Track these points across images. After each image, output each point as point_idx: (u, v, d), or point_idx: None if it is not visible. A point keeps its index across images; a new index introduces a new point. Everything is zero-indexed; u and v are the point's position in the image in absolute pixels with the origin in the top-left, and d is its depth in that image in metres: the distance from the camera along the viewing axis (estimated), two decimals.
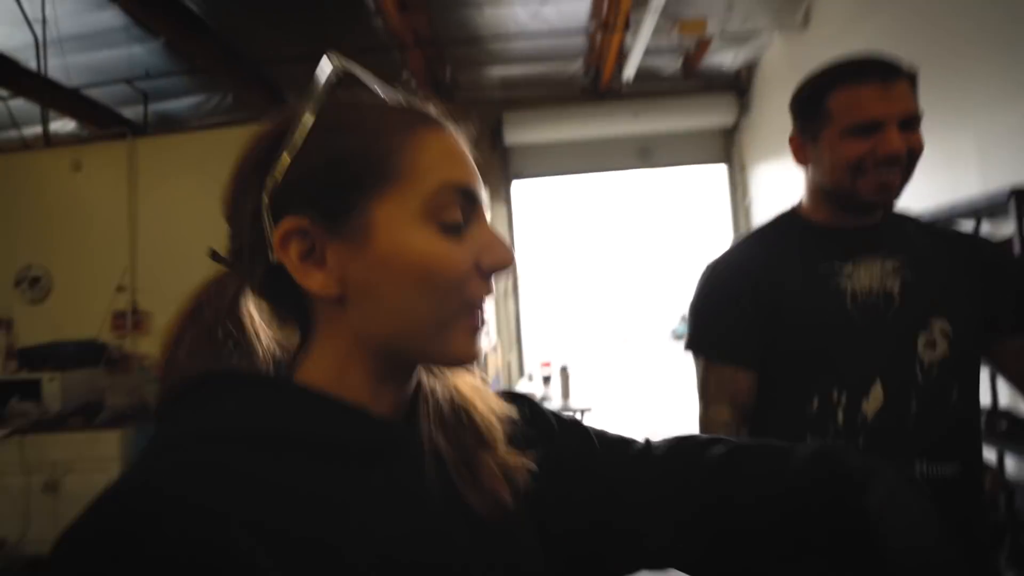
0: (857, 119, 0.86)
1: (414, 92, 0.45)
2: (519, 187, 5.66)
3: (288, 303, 0.42)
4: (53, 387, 2.90)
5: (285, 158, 0.37)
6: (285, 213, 0.37)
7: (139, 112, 5.06)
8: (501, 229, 5.36)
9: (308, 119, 0.38)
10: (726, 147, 5.33)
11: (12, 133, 5.43)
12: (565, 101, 5.22)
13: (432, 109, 0.44)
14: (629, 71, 4.45)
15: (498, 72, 5.00)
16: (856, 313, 0.88)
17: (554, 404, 3.44)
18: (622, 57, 4.39)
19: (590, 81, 5.11)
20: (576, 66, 4.90)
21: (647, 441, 0.54)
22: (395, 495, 0.38)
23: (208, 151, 3.45)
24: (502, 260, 0.41)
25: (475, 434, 0.46)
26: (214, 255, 0.42)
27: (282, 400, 0.37)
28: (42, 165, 3.61)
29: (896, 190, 0.88)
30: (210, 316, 0.39)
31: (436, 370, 0.48)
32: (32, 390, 2.92)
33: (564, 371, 3.63)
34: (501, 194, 5.50)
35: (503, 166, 5.49)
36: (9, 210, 3.49)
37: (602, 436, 0.54)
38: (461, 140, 0.43)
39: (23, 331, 3.30)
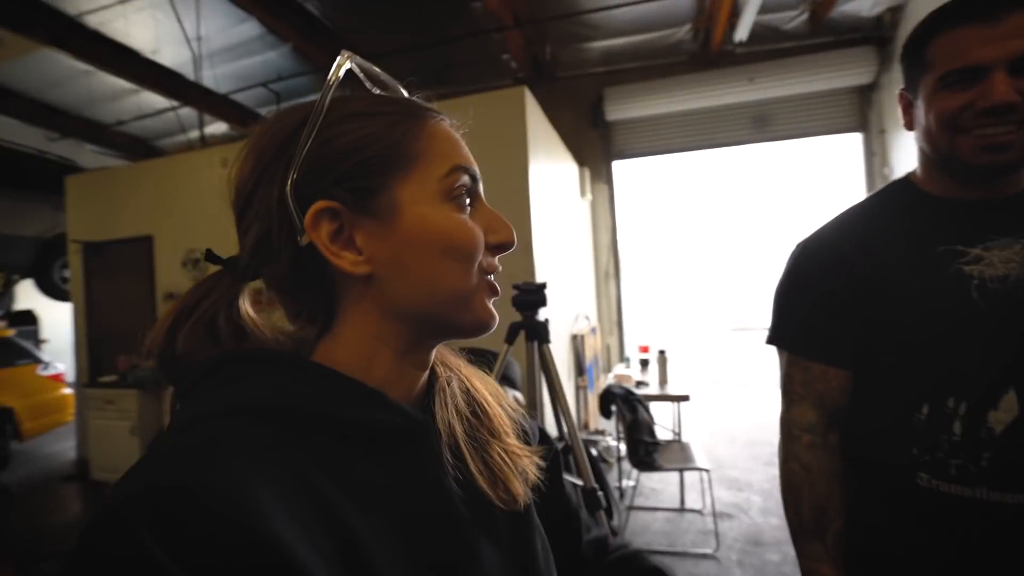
0: (952, 65, 0.72)
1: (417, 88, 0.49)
2: (621, 167, 5.46)
3: (306, 292, 0.42)
4: None
5: (310, 144, 0.38)
6: (311, 197, 0.38)
7: (273, 111, 5.70)
8: (602, 210, 5.23)
9: (331, 107, 0.39)
10: (861, 110, 4.64)
11: (180, 137, 6.44)
12: (671, 70, 4.90)
13: (432, 104, 0.47)
14: (743, 31, 4.04)
15: (599, 46, 4.82)
16: (984, 305, 0.72)
17: (650, 390, 3.33)
18: (735, 15, 4.00)
19: (699, 46, 4.73)
20: (683, 31, 4.56)
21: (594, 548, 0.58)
22: (417, 480, 0.39)
23: None
24: (505, 238, 0.44)
25: (488, 425, 0.47)
26: (209, 256, 0.43)
27: (306, 380, 0.37)
28: (199, 162, 4.23)
29: (1015, 150, 0.71)
30: (208, 309, 0.41)
31: (451, 363, 0.50)
32: None
33: (662, 356, 3.49)
34: (602, 174, 5.36)
35: (604, 145, 5.33)
36: (177, 202, 4.16)
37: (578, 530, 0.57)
38: (456, 130, 0.46)
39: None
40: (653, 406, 3.31)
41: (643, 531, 2.82)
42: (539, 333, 1.61)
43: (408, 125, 0.41)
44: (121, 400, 3.62)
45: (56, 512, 3.63)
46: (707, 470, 2.62)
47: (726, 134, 5.04)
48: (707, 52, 4.68)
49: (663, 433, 3.57)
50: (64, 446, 4.88)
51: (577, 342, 4.25)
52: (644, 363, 4.01)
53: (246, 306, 0.43)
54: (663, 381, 3.44)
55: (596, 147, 5.31)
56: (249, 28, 4.43)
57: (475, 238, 0.41)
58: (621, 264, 5.51)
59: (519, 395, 2.67)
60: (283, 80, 5.17)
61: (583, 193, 4.99)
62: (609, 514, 2.83)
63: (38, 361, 4.72)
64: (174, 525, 0.25)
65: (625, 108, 5.04)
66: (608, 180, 5.40)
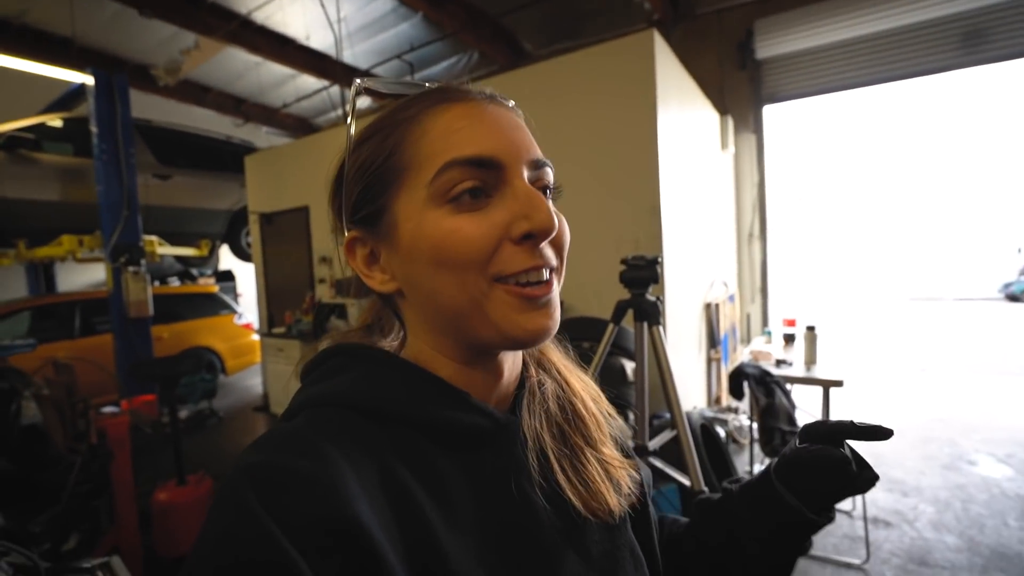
0: None
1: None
2: (772, 113, 4.74)
3: (383, 308, 0.48)
4: (354, 310, 3.85)
5: (344, 181, 0.42)
6: (348, 227, 0.42)
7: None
8: (747, 163, 4.64)
9: (349, 140, 0.42)
10: None
11: (331, 114, 7.12)
12: None
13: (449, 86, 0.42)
14: None
15: None
16: None
17: (794, 370, 2.93)
18: None
19: None
20: None
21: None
22: (497, 483, 0.38)
23: None
24: (533, 225, 0.37)
25: (583, 432, 0.45)
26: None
27: (395, 376, 0.40)
28: (344, 137, 4.63)
29: None
30: (376, 305, 0.49)
31: (547, 364, 0.48)
32: (343, 311, 3.93)
33: (811, 333, 3.03)
34: (748, 122, 4.71)
35: (752, 89, 4.65)
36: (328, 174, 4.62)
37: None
38: (484, 105, 0.40)
39: (338, 267, 4.43)
40: (796, 390, 2.93)
41: None
42: (648, 313, 1.46)
43: (400, 133, 0.40)
44: (288, 349, 4.24)
45: (249, 435, 4.45)
46: None
47: (916, 61, 4.05)
48: None
49: (806, 421, 3.17)
50: (255, 382, 5.93)
51: (711, 311, 3.90)
52: (789, 338, 3.54)
53: (391, 312, 0.48)
54: (810, 361, 3.00)
55: (743, 91, 4.66)
56: (382, 3, 4.63)
57: (466, 243, 0.36)
58: (768, 224, 4.88)
59: (628, 367, 2.54)
60: (415, 50, 5.37)
61: (724, 145, 4.45)
62: None
63: (235, 312, 5.74)
64: (272, 493, 0.29)
65: (780, 41, 4.32)
66: (756, 128, 4.74)
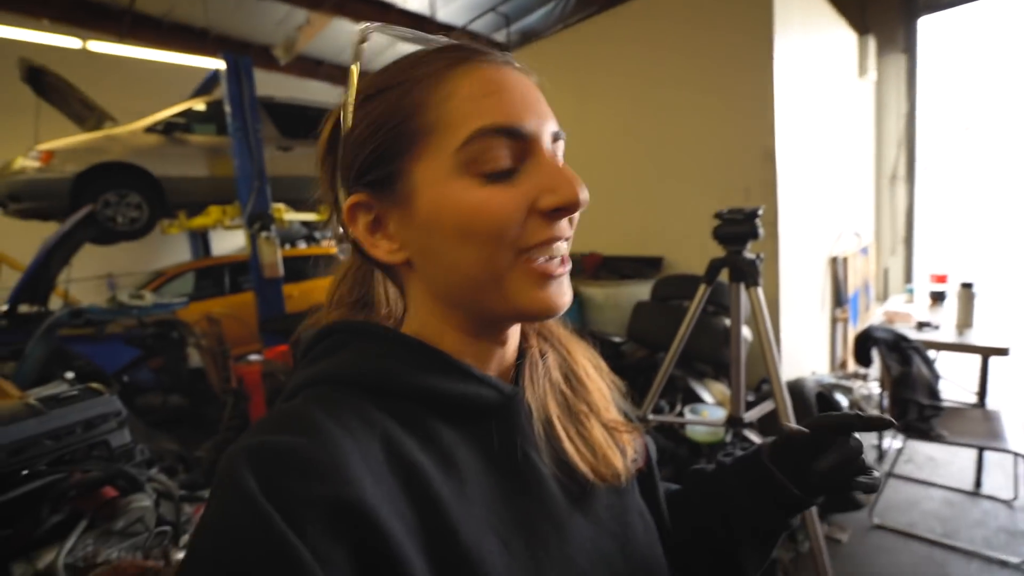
0: None
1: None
2: (928, 27, 3.89)
3: (384, 278, 0.46)
4: None
5: (341, 138, 0.39)
6: (348, 193, 0.39)
7: (505, 35, 5.84)
8: (893, 91, 3.93)
9: (351, 94, 0.38)
10: None
11: None
12: None
13: (469, 45, 0.39)
14: None
15: None
16: None
17: (941, 334, 2.50)
18: None
19: None
20: None
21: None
22: (503, 452, 0.38)
23: (558, 53, 3.71)
24: (563, 199, 0.36)
25: (587, 399, 0.45)
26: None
27: (396, 350, 0.39)
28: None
29: None
30: (356, 277, 0.46)
31: (547, 334, 0.48)
32: None
33: (967, 291, 2.54)
34: (897, 42, 3.93)
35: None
36: None
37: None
38: (507, 72, 0.38)
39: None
40: (945, 357, 2.52)
41: (907, 509, 2.26)
42: (746, 272, 1.31)
43: (422, 92, 0.36)
44: None
45: None
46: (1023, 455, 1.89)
47: None
48: None
49: (955, 394, 2.72)
50: None
51: (837, 265, 3.45)
52: (937, 297, 3.03)
53: (380, 285, 0.46)
54: (964, 324, 2.54)
55: (889, 2, 3.89)
56: None
57: (495, 214, 0.35)
58: (916, 163, 4.13)
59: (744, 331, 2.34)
60: (508, 2, 5.20)
61: (862, 72, 3.79)
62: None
63: None
64: (271, 475, 0.28)
65: None
66: (907, 47, 3.96)
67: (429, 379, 0.37)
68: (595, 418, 0.45)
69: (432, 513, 0.32)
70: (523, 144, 0.36)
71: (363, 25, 0.39)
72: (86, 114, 4.69)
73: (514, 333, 0.43)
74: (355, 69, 0.38)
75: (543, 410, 0.42)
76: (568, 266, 0.39)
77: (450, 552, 0.32)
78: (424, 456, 0.34)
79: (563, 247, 0.38)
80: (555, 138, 0.38)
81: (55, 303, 3.58)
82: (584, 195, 0.36)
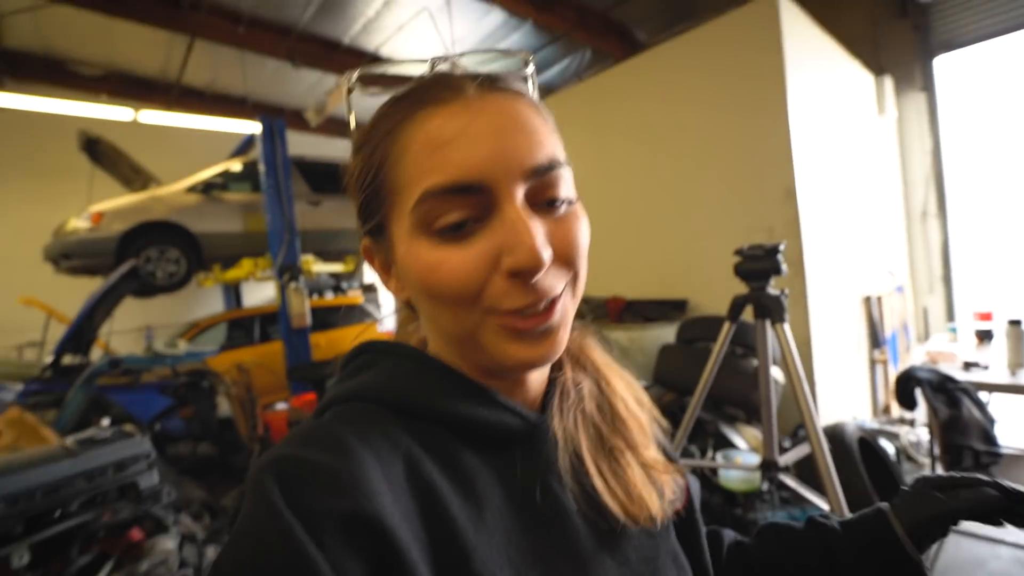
0: None
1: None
2: (946, 64, 3.92)
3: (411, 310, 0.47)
4: None
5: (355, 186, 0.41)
6: (363, 234, 0.42)
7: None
8: (915, 128, 3.91)
9: (353, 143, 0.40)
10: None
11: None
12: None
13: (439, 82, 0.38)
14: None
15: None
16: None
17: (991, 375, 2.37)
18: None
19: None
20: None
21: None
22: (525, 483, 0.37)
23: (576, 105, 3.83)
24: (517, 262, 0.33)
25: (624, 434, 0.43)
26: None
27: (423, 372, 0.39)
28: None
29: None
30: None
31: (584, 361, 0.46)
32: None
33: (1015, 327, 2.42)
34: (914, 80, 3.96)
35: (918, 37, 3.91)
36: None
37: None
38: (471, 109, 0.35)
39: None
40: (997, 400, 2.37)
41: (971, 569, 2.06)
42: (770, 309, 1.29)
43: (383, 150, 0.37)
44: None
45: None
46: None
47: None
48: None
49: (1012, 439, 2.54)
50: None
51: (872, 305, 3.34)
52: (983, 336, 2.88)
53: None
54: (1017, 364, 2.41)
55: (904, 43, 3.95)
56: (493, 18, 4.80)
57: (451, 278, 0.34)
58: (947, 199, 4.05)
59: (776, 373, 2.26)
60: None
61: (881, 110, 3.80)
62: None
63: (377, 320, 6.37)
64: (295, 487, 0.29)
65: None
66: (925, 86, 3.97)
67: (453, 403, 0.37)
68: (631, 455, 0.43)
69: (447, 537, 0.32)
70: (482, 197, 0.34)
71: (346, 75, 0.41)
72: (134, 177, 5.04)
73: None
74: (352, 120, 0.41)
75: (572, 442, 0.40)
76: (552, 318, 0.36)
77: None
78: (444, 479, 0.34)
79: (543, 306, 0.35)
80: (538, 173, 0.35)
81: (96, 354, 3.72)
82: (547, 255, 0.33)
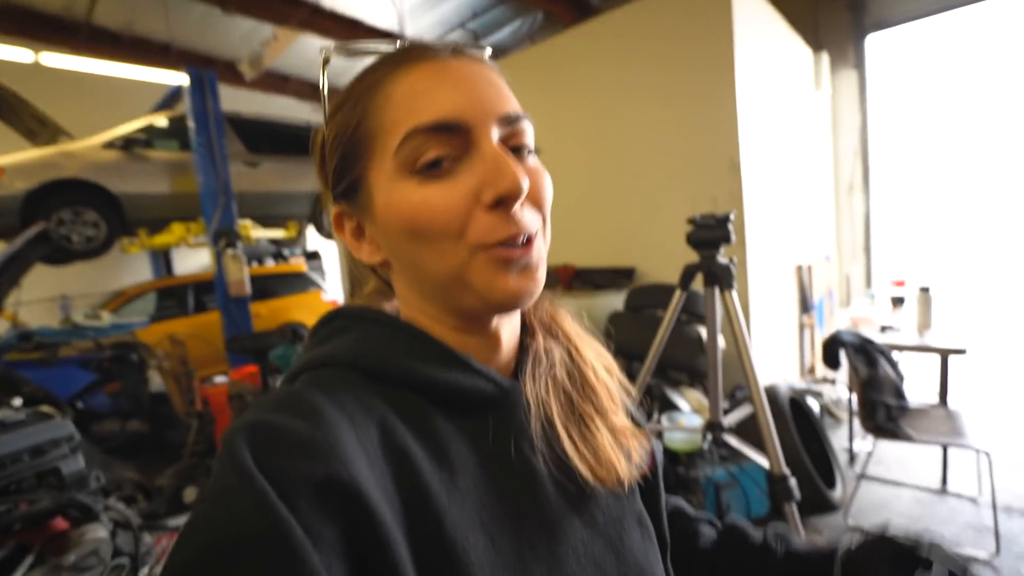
0: None
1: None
2: (877, 44, 4.12)
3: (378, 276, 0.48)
4: None
5: (322, 152, 0.41)
6: (334, 201, 0.42)
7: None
8: (846, 104, 4.12)
9: (324, 110, 0.41)
10: None
11: None
12: None
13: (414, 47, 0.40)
14: None
15: None
16: None
17: (902, 337, 2.60)
18: None
19: None
20: None
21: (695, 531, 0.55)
22: (498, 449, 0.38)
23: (527, 68, 3.72)
24: (500, 189, 0.35)
25: (593, 400, 0.44)
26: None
27: (397, 338, 0.39)
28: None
29: None
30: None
31: (555, 329, 0.47)
32: None
33: (925, 294, 2.65)
34: (847, 58, 4.14)
35: (852, 16, 4.07)
36: None
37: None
38: (448, 64, 0.38)
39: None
40: (906, 359, 2.60)
41: (878, 509, 2.31)
42: (720, 277, 1.33)
43: (366, 101, 0.38)
44: None
45: None
46: (986, 452, 1.96)
47: None
48: None
49: (918, 395, 2.82)
50: None
51: (803, 273, 3.56)
52: (897, 301, 3.14)
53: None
54: (924, 327, 2.65)
55: (840, 22, 4.11)
56: None
57: (437, 212, 0.36)
58: (871, 173, 4.32)
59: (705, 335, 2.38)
60: (478, 17, 5.26)
61: (818, 85, 3.96)
62: (830, 483, 2.40)
63: (322, 289, 6.14)
64: (268, 452, 0.29)
65: None
66: (857, 64, 4.17)
67: (426, 368, 0.37)
68: (600, 420, 0.44)
69: (420, 501, 0.32)
70: (461, 136, 0.36)
71: (323, 46, 0.42)
72: (39, 129, 4.50)
73: (508, 326, 0.43)
74: (324, 90, 0.42)
75: (544, 407, 0.41)
76: (532, 252, 0.37)
77: (433, 542, 0.31)
78: (417, 445, 0.34)
79: (521, 240, 0.37)
80: (508, 121, 0.38)
81: (2, 326, 3.38)
82: (525, 183, 0.36)
